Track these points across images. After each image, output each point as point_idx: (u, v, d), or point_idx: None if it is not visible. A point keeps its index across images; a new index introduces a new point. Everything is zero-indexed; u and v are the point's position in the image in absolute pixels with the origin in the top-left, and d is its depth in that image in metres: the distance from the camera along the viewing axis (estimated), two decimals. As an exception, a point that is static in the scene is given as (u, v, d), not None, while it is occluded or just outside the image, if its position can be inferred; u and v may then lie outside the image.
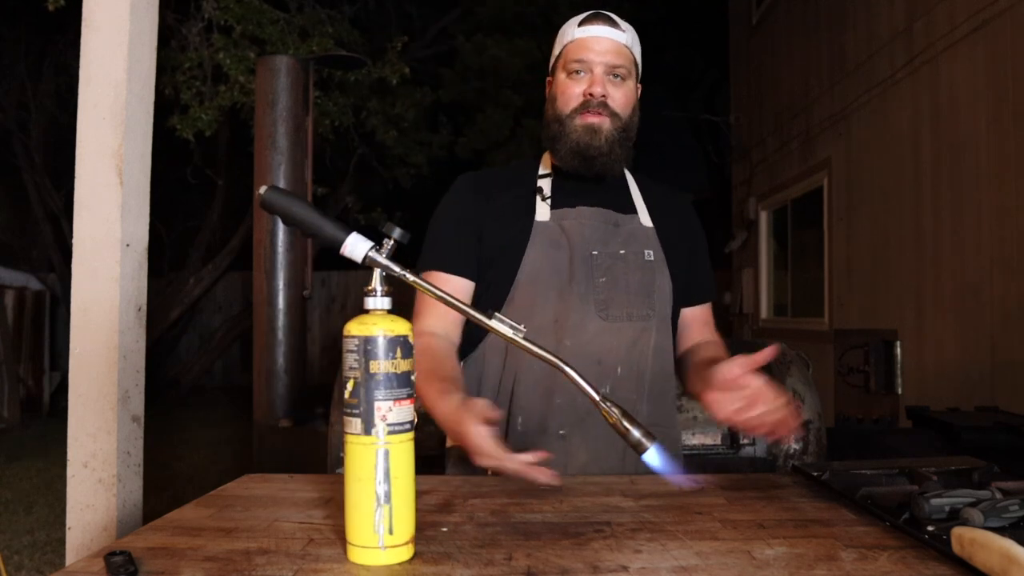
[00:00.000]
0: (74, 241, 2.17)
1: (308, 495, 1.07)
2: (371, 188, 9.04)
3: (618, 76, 1.34)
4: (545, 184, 1.40)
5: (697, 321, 1.45)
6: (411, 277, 0.88)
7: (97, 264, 2.14)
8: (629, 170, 1.47)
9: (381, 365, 0.79)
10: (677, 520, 0.93)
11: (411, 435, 0.82)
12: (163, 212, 4.92)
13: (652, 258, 1.35)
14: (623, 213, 1.38)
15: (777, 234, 7.60)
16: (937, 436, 2.56)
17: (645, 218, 1.39)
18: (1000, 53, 3.78)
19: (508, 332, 0.90)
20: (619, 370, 1.29)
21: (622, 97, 1.34)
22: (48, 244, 8.70)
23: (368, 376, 0.79)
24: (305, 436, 3.24)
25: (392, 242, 0.87)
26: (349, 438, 0.80)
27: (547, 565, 0.77)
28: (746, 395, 1.08)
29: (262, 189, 0.92)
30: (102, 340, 2.12)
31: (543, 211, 1.36)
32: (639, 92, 1.41)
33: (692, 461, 2.11)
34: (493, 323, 0.89)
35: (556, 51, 1.39)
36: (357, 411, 0.79)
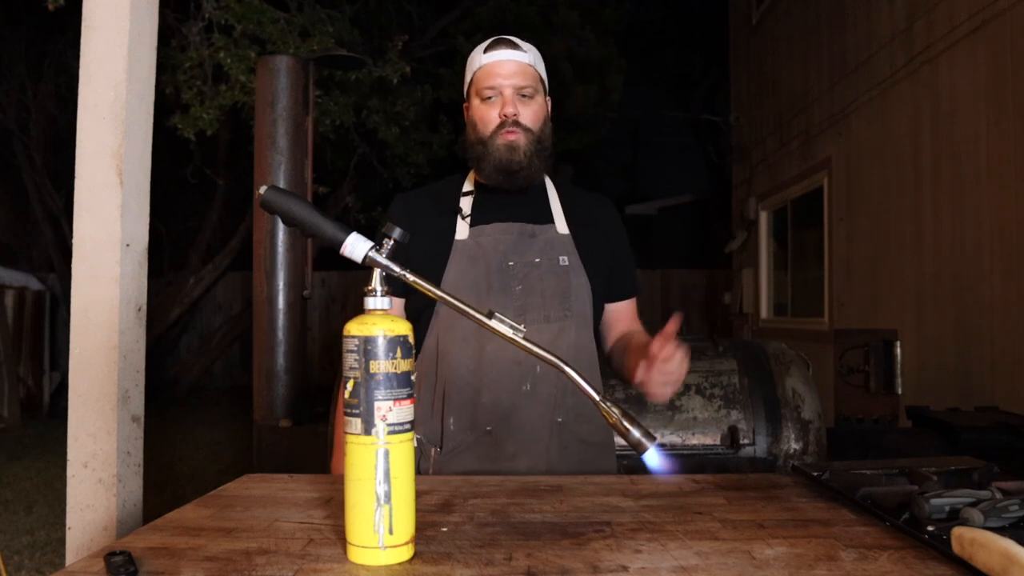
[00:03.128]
0: (74, 241, 2.17)
1: (308, 495, 1.07)
2: (371, 188, 9.04)
3: (525, 95, 1.44)
4: (466, 203, 1.50)
5: (624, 316, 1.58)
6: (411, 277, 0.88)
7: (97, 264, 2.14)
8: (551, 178, 1.57)
9: (381, 365, 0.79)
10: (677, 520, 0.93)
11: (411, 435, 0.82)
12: (163, 212, 4.92)
13: (567, 263, 1.45)
14: (539, 223, 1.48)
15: (777, 234, 7.60)
16: (937, 436, 2.55)
17: (561, 226, 1.49)
18: (1000, 53, 3.78)
19: (508, 332, 0.91)
20: (538, 368, 1.38)
21: (532, 114, 1.44)
22: (48, 244, 8.70)
23: (368, 376, 0.79)
24: (305, 436, 3.24)
25: (392, 242, 0.87)
26: (349, 438, 0.80)
27: (547, 565, 0.78)
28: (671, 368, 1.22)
29: (262, 189, 0.92)
30: (102, 340, 2.12)
31: (462, 230, 1.46)
32: (549, 105, 1.52)
33: (692, 461, 2.12)
34: (493, 323, 0.90)
35: (467, 78, 1.48)
36: (357, 411, 0.79)
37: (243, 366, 10.23)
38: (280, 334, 3.41)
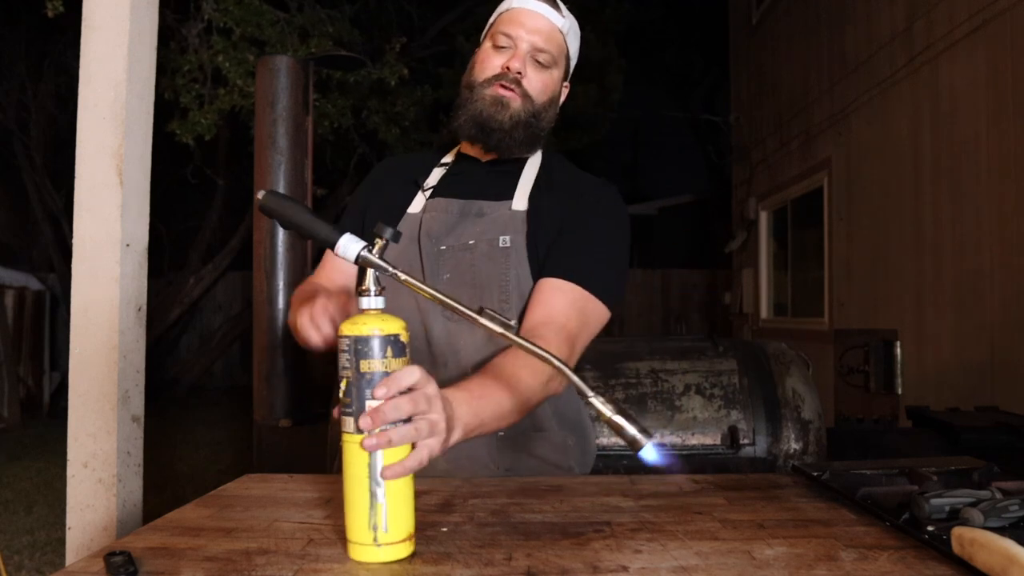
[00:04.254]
0: (74, 241, 2.17)
1: (308, 495, 1.07)
2: (371, 188, 9.02)
3: (541, 62, 1.25)
4: (436, 174, 1.32)
5: (543, 299, 1.18)
6: (403, 276, 0.87)
7: (97, 264, 2.14)
8: (546, 156, 1.35)
9: (372, 364, 0.80)
10: (677, 520, 0.93)
11: None
12: (163, 212, 4.92)
13: (508, 244, 1.21)
14: (495, 200, 1.26)
15: (777, 234, 7.60)
16: (937, 436, 2.55)
17: (519, 201, 1.26)
18: (1000, 53, 3.78)
19: (499, 329, 0.88)
20: (471, 371, 1.18)
21: (540, 83, 1.25)
22: (48, 244, 8.70)
23: (359, 375, 0.80)
24: (305, 436, 3.24)
25: (384, 242, 0.87)
26: (344, 436, 0.81)
27: (547, 565, 0.77)
28: None
29: (260, 194, 0.92)
30: (102, 340, 2.12)
31: (417, 203, 1.29)
32: (565, 91, 1.34)
33: (692, 461, 2.12)
34: (483, 320, 0.88)
35: (491, 20, 1.31)
36: (350, 410, 0.80)
37: (243, 366, 10.22)
38: (280, 334, 3.40)
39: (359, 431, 0.79)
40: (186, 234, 9.18)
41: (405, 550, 0.81)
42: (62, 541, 2.48)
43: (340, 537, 0.86)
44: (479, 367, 1.16)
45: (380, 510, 0.79)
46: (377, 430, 0.79)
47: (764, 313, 7.81)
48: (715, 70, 11.10)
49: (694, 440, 2.16)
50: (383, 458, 0.79)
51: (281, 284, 3.42)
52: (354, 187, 8.69)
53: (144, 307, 2.24)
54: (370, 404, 0.79)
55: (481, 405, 0.98)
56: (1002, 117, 3.75)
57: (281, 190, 3.38)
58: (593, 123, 8.85)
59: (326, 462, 2.33)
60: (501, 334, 0.88)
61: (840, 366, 3.14)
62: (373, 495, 0.79)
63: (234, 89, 6.13)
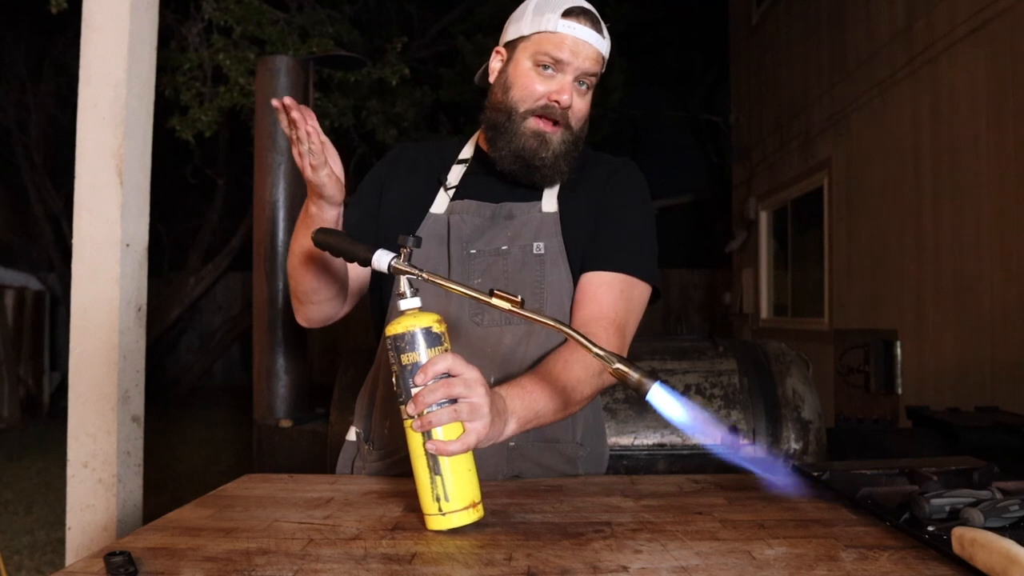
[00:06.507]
0: (74, 241, 2.17)
1: (308, 495, 1.07)
2: (371, 188, 9.02)
3: (585, 84, 1.22)
4: (456, 172, 1.30)
5: (592, 295, 1.20)
6: (426, 276, 0.94)
7: (97, 264, 2.14)
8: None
9: (409, 356, 0.90)
10: (677, 520, 0.93)
11: None
12: (163, 212, 4.92)
13: (543, 251, 1.21)
14: (523, 201, 1.25)
15: (777, 234, 7.60)
16: (937, 436, 2.55)
17: (549, 203, 1.25)
18: (1000, 53, 3.78)
19: (507, 306, 0.91)
20: (492, 380, 1.18)
21: (582, 109, 1.23)
22: (48, 244, 8.71)
23: (402, 368, 0.90)
24: (305, 436, 3.24)
25: (409, 249, 0.95)
26: (405, 423, 0.91)
27: (547, 565, 0.77)
28: None
29: (314, 232, 1.01)
30: (102, 340, 2.12)
31: (440, 202, 1.27)
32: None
33: (692, 461, 2.12)
34: (493, 300, 0.92)
35: (525, 29, 1.21)
36: (402, 399, 0.91)
37: (243, 366, 10.22)
38: (280, 334, 3.40)
39: (409, 416, 0.90)
40: (186, 234, 9.18)
41: (469, 516, 0.89)
42: (62, 541, 2.49)
43: (340, 537, 0.87)
44: (509, 375, 1.19)
45: (440, 483, 0.89)
46: (419, 413, 0.89)
47: (764, 313, 7.80)
48: (715, 70, 11.08)
49: (694, 440, 2.15)
50: (436, 437, 0.89)
51: (281, 284, 3.42)
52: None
53: (144, 307, 2.24)
54: (414, 391, 0.89)
55: (535, 399, 1.05)
56: (1002, 117, 3.75)
57: (281, 190, 3.41)
58: (593, 123, 8.84)
59: (326, 462, 2.33)
60: (509, 310, 0.91)
61: (840, 366, 3.14)
62: (432, 471, 0.89)
63: (235, 87, 6.13)
